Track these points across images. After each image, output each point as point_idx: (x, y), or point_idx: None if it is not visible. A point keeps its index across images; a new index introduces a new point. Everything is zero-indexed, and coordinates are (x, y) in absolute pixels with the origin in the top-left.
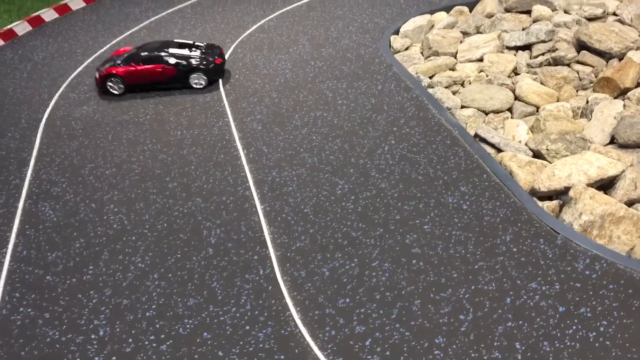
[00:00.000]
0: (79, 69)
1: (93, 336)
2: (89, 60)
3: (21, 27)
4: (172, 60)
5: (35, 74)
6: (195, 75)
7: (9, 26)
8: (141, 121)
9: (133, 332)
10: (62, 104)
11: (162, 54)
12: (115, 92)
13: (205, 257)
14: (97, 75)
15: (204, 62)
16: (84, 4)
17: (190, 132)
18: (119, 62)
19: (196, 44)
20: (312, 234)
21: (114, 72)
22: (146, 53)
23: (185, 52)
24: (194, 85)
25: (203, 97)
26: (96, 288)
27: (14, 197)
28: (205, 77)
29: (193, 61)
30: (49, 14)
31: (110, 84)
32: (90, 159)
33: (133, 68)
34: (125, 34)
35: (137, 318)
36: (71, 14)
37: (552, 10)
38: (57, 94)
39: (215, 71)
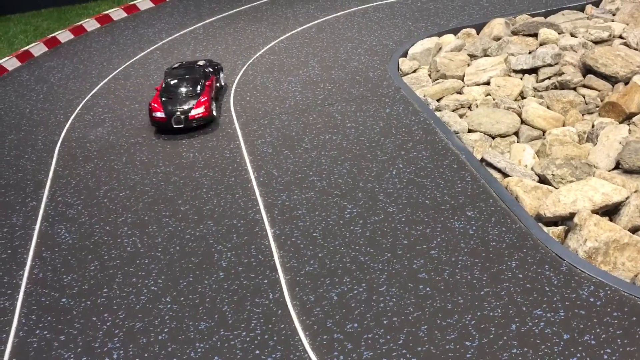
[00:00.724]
0: (94, 91)
1: (107, 359)
2: (104, 81)
3: (37, 49)
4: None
5: (52, 96)
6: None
7: (25, 47)
8: (154, 143)
9: (146, 355)
10: (77, 126)
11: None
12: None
13: (217, 280)
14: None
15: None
16: (98, 25)
17: (202, 154)
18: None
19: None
20: (321, 258)
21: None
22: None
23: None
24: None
25: (214, 120)
26: (110, 311)
27: (30, 219)
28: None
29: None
30: (64, 35)
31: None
32: (104, 181)
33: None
34: (140, 55)
35: (149, 342)
36: (86, 35)
37: (559, 34)
38: (73, 116)
39: None
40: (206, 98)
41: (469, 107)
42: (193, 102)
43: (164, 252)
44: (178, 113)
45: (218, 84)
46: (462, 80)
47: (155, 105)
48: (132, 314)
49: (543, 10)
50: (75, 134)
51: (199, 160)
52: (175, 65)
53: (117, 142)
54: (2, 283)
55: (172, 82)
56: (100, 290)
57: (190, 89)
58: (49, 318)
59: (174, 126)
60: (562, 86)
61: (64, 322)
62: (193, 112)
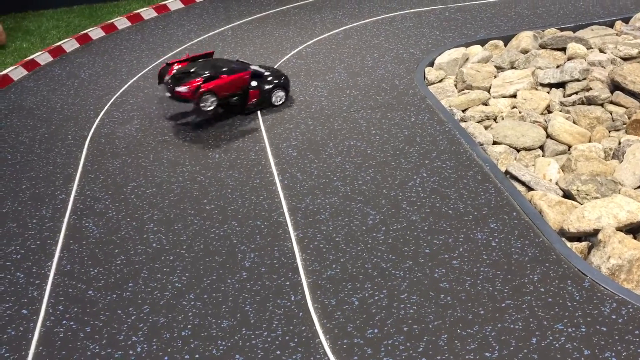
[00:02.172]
0: (124, 88)
1: (131, 352)
2: (133, 79)
3: (69, 44)
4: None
5: (82, 91)
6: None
7: (58, 43)
8: (181, 142)
9: (169, 350)
10: (106, 122)
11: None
12: (209, 108)
13: (240, 280)
14: (188, 93)
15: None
16: (129, 24)
17: (227, 155)
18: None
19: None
20: (343, 262)
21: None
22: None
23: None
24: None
25: (241, 121)
26: (135, 305)
27: (59, 211)
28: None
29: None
30: (95, 32)
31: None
32: (132, 178)
33: (221, 81)
34: (169, 55)
35: (173, 337)
36: (117, 33)
37: (587, 49)
38: (102, 112)
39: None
40: (200, 83)
41: (495, 119)
42: (189, 79)
43: (189, 249)
44: (169, 80)
45: (259, 90)
46: (489, 91)
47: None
48: (157, 309)
49: (572, 25)
50: (104, 130)
51: (225, 161)
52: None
53: (145, 139)
54: (31, 273)
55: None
56: (125, 284)
57: (203, 70)
58: (76, 309)
59: (165, 93)
60: (590, 102)
61: (90, 313)
62: (178, 88)
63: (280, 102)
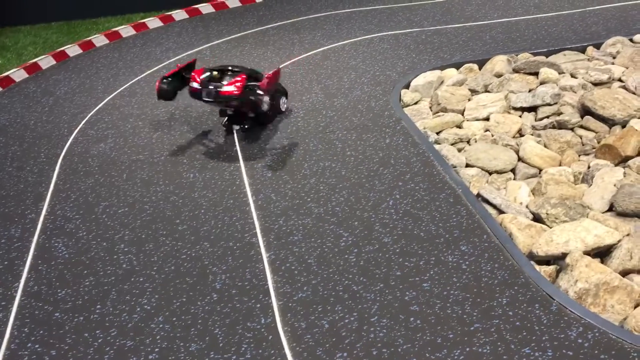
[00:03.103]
0: (99, 106)
1: None
2: (109, 97)
3: (46, 61)
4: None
5: (57, 109)
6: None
7: (34, 60)
8: (155, 161)
9: None
10: (80, 140)
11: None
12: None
13: (210, 302)
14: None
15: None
16: (107, 41)
17: (202, 175)
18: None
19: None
20: (314, 285)
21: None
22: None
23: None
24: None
25: (216, 140)
26: (102, 328)
27: (29, 231)
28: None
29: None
30: (73, 50)
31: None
32: (104, 197)
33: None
34: (146, 73)
35: None
36: (94, 50)
37: (559, 73)
38: (76, 130)
39: None
40: (241, 80)
41: (468, 142)
42: (228, 80)
43: (159, 271)
44: (211, 87)
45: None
46: (463, 114)
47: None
48: (124, 332)
49: (545, 50)
50: (78, 149)
51: (199, 181)
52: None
53: (118, 158)
54: None
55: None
56: (93, 307)
57: (230, 74)
58: (41, 332)
59: (204, 98)
60: (560, 126)
61: (55, 336)
62: (224, 89)
63: (285, 107)
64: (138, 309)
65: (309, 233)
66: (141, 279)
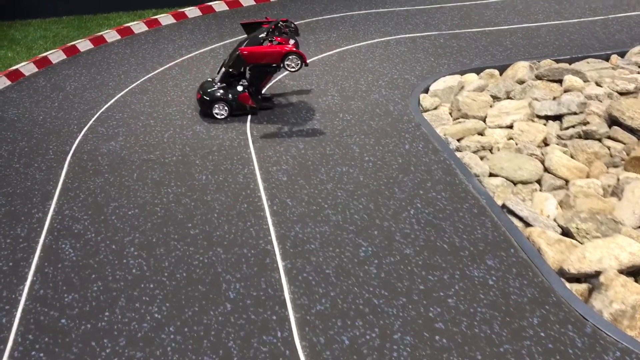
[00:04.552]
0: (110, 103)
1: None
2: (120, 94)
3: (56, 55)
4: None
5: (67, 104)
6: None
7: (44, 54)
8: (167, 162)
9: None
10: (90, 138)
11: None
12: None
13: (223, 312)
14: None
15: None
16: (118, 37)
17: (215, 177)
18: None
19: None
20: (333, 297)
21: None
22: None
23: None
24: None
25: (230, 141)
26: (110, 336)
27: (35, 231)
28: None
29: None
30: (84, 44)
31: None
32: (114, 198)
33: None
34: (158, 70)
35: None
36: (106, 45)
37: (584, 82)
38: (86, 127)
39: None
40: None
41: (490, 150)
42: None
43: (170, 277)
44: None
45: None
46: (484, 121)
47: None
48: (134, 342)
49: (567, 57)
50: (87, 146)
51: (212, 183)
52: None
53: (129, 157)
54: (1, 297)
55: None
56: (101, 314)
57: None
58: (46, 339)
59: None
60: (587, 136)
61: (61, 344)
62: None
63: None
64: (148, 317)
65: (326, 241)
66: (151, 285)
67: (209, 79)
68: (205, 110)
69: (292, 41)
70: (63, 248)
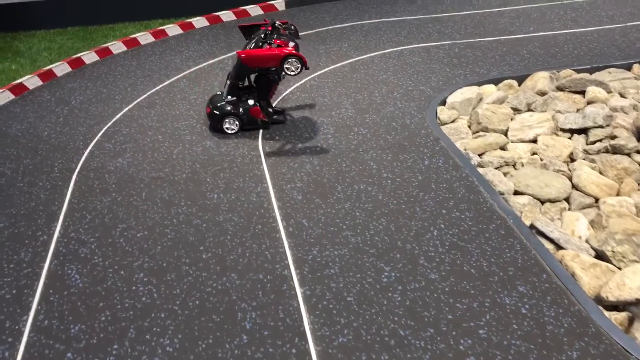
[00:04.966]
0: (117, 117)
1: None
2: (127, 107)
3: (61, 68)
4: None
5: (72, 119)
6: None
7: (48, 67)
8: (177, 180)
9: None
10: (96, 154)
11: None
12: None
13: (239, 345)
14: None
15: None
16: (125, 48)
17: (227, 196)
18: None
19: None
20: (355, 327)
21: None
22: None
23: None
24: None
25: (242, 158)
26: None
27: (40, 255)
28: None
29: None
30: (89, 56)
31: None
32: (122, 219)
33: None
34: (166, 83)
35: None
36: (112, 57)
37: (607, 92)
38: (92, 143)
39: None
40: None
41: (514, 166)
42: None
43: (182, 306)
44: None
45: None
46: (506, 135)
47: None
48: None
49: (588, 67)
50: (94, 163)
51: (224, 203)
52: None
53: (137, 175)
54: (3, 329)
55: None
56: (110, 346)
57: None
58: None
59: None
60: (615, 150)
61: None
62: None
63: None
64: (159, 350)
65: (346, 266)
66: (162, 315)
67: (218, 92)
68: (215, 124)
69: (291, 44)
70: (69, 274)
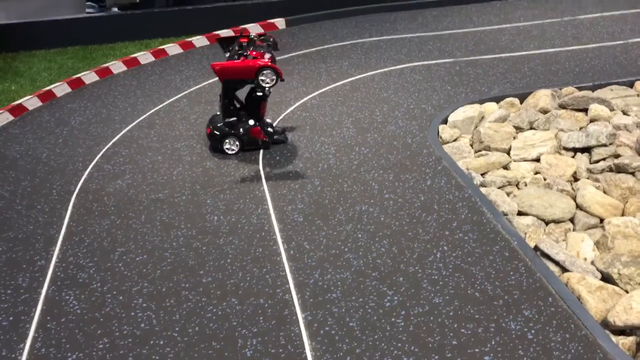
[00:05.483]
0: (116, 138)
1: None
2: (127, 128)
3: (60, 89)
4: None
5: (71, 140)
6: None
7: (48, 87)
8: (176, 201)
9: None
10: (95, 176)
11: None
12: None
13: None
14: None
15: None
16: (125, 68)
17: (227, 218)
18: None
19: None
20: (358, 354)
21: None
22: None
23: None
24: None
25: (242, 178)
26: None
27: (37, 280)
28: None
29: None
30: (89, 77)
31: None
32: (121, 242)
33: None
34: (166, 102)
35: None
36: (111, 77)
37: (610, 110)
38: (92, 164)
39: None
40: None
41: (517, 185)
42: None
43: (182, 332)
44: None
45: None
46: (508, 154)
47: None
48: None
49: (590, 84)
50: (93, 185)
51: (224, 225)
52: None
53: (136, 197)
54: None
55: None
56: None
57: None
58: None
59: None
60: (619, 169)
61: None
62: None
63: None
64: None
65: (348, 290)
66: (161, 342)
67: (218, 113)
68: (216, 145)
69: (267, 55)
70: (67, 300)
